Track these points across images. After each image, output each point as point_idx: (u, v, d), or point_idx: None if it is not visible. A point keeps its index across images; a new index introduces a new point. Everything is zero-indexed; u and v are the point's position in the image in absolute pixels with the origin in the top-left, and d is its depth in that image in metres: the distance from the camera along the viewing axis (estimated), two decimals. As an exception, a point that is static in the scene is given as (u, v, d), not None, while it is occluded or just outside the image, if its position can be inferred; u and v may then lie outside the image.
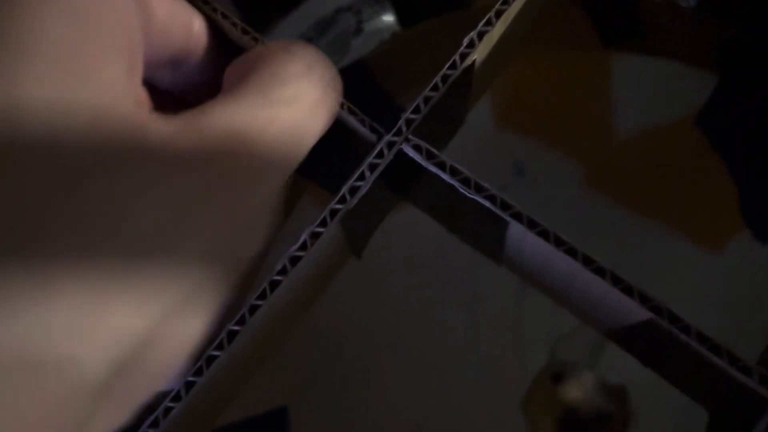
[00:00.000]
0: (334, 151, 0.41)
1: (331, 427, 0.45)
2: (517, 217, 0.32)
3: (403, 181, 0.37)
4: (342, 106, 0.34)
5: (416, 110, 0.34)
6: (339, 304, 0.43)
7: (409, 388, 0.47)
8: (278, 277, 0.31)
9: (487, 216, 0.33)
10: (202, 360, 0.30)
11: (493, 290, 0.48)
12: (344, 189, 0.33)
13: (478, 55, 0.35)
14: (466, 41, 0.34)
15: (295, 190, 0.48)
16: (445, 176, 0.33)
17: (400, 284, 0.48)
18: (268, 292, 0.31)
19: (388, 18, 0.51)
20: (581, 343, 0.48)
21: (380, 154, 0.34)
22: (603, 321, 0.35)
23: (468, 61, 0.34)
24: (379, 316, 0.47)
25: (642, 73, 0.48)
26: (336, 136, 0.39)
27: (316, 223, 0.32)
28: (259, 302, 0.30)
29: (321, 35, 0.51)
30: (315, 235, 0.32)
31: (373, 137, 0.35)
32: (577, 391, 0.48)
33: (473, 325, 0.48)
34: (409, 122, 0.34)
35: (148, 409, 0.38)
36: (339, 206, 0.33)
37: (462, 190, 0.33)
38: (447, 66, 0.34)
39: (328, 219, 0.32)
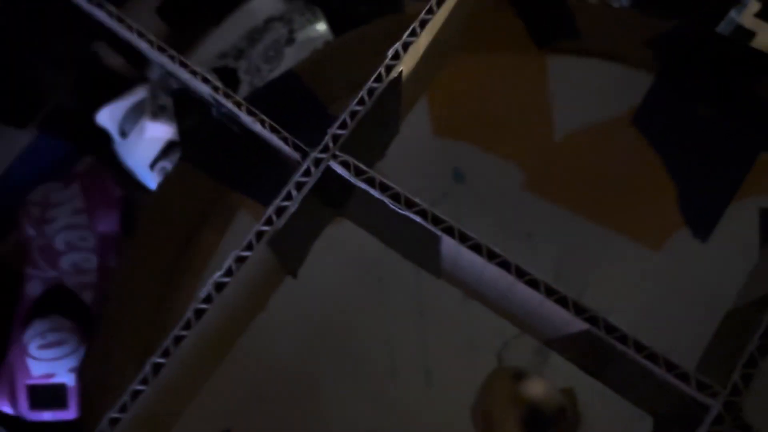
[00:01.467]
0: (266, 166, 0.40)
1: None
2: (449, 231, 0.32)
3: (335, 196, 0.36)
4: (263, 124, 0.33)
5: (343, 125, 0.33)
6: (278, 323, 0.42)
7: (358, 399, 0.47)
8: (204, 305, 0.30)
9: (420, 231, 0.33)
10: (127, 393, 0.29)
11: (437, 299, 0.47)
12: (270, 210, 0.32)
13: (404, 66, 0.34)
14: (390, 53, 0.33)
15: (229, 206, 0.47)
16: (374, 192, 0.32)
17: (341, 299, 0.47)
18: (193, 321, 0.29)
19: (321, 27, 0.50)
20: (527, 348, 0.48)
21: (307, 172, 0.33)
22: (541, 331, 0.35)
23: (394, 73, 0.33)
24: (322, 331, 0.46)
25: (577, 74, 0.48)
26: (265, 152, 0.38)
27: (242, 247, 0.31)
28: (184, 333, 0.29)
29: (252, 45, 0.50)
30: (240, 259, 0.31)
31: (296, 155, 0.34)
32: (539, 387, 0.47)
33: (420, 334, 0.48)
34: (336, 138, 0.33)
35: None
36: (266, 228, 0.32)
37: (392, 206, 0.32)
38: (372, 79, 0.33)
39: (254, 242, 0.31)
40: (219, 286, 0.30)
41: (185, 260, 0.46)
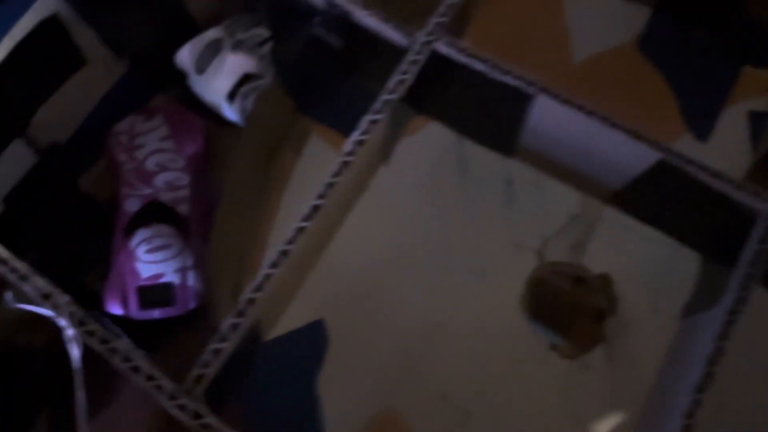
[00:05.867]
0: (342, 94, 0.46)
1: (362, 332, 0.49)
2: (544, 90, 0.39)
3: (431, 81, 0.42)
4: (376, 16, 0.39)
5: (443, 14, 0.40)
6: (364, 219, 0.48)
7: (421, 289, 0.52)
8: (319, 201, 0.36)
9: (512, 97, 0.40)
10: (243, 301, 0.34)
11: (483, 203, 0.54)
12: (392, 81, 0.38)
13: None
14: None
15: (304, 129, 0.53)
16: (477, 64, 0.39)
17: (409, 200, 0.53)
18: (312, 212, 0.35)
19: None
20: (565, 243, 0.55)
21: (416, 53, 0.39)
22: (615, 180, 0.42)
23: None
24: (397, 229, 0.52)
25: (590, 7, 0.57)
26: (342, 78, 0.44)
27: (359, 132, 0.37)
28: (305, 224, 0.35)
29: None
30: (360, 143, 0.37)
31: (405, 41, 0.40)
32: (596, 288, 0.54)
33: (471, 236, 0.54)
34: (439, 24, 0.40)
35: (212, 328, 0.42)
36: (390, 96, 0.38)
37: (491, 75, 0.39)
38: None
39: (369, 126, 0.37)
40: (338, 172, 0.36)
41: (269, 178, 0.51)
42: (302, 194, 0.53)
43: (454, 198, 0.54)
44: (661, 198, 0.41)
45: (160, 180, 0.50)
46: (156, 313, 0.47)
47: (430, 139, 0.53)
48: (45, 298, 0.33)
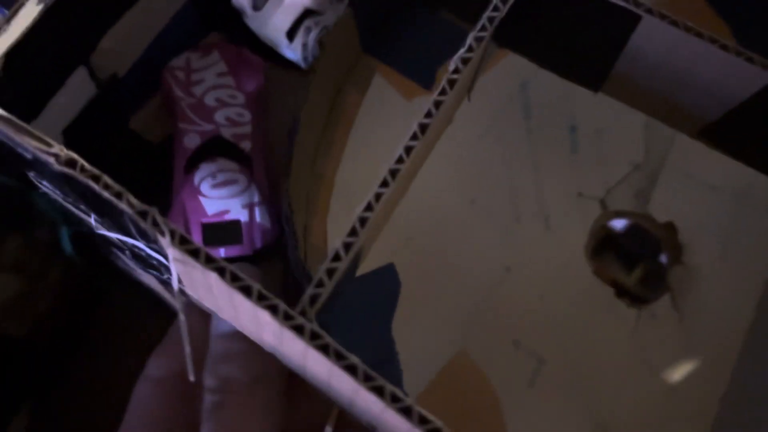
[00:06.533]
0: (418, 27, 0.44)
1: (433, 278, 0.47)
2: (650, 11, 0.37)
3: (513, 21, 0.41)
4: None
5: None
6: (435, 163, 0.46)
7: (489, 236, 0.50)
8: (413, 142, 0.34)
9: (616, 20, 0.38)
10: (355, 221, 0.32)
11: (550, 153, 0.53)
12: (484, 16, 0.36)
13: None
14: None
15: (369, 67, 0.51)
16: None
17: (482, 146, 0.51)
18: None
19: None
20: (629, 192, 0.54)
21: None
22: (713, 110, 0.40)
23: None
24: (464, 174, 0.51)
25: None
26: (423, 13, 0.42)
27: (451, 70, 0.35)
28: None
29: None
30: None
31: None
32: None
33: (537, 184, 0.52)
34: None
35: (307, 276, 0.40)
36: (482, 34, 0.36)
37: (593, -7, 0.37)
38: None
39: (459, 65, 0.35)
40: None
41: (335, 115, 0.49)
42: (368, 134, 0.51)
43: (519, 144, 0.53)
44: (761, 129, 0.40)
45: (221, 115, 0.47)
46: (221, 252, 0.44)
47: (501, 78, 0.51)
48: (141, 216, 0.31)
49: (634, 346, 0.49)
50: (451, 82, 0.37)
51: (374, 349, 0.44)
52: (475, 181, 0.51)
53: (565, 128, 0.53)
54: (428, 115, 0.36)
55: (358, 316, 0.45)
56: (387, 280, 0.46)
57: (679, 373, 0.48)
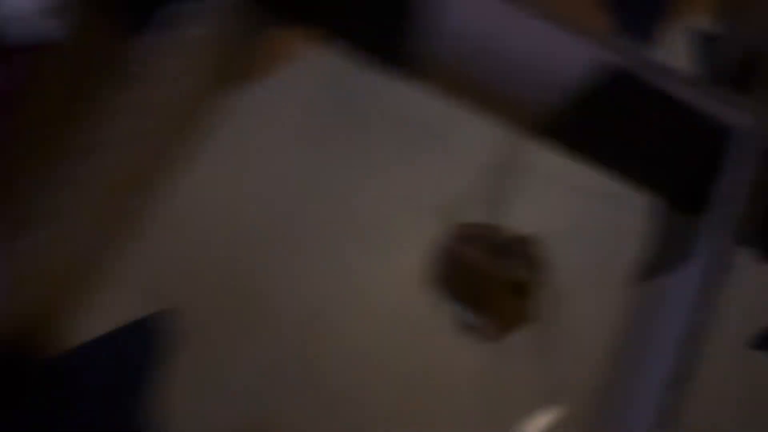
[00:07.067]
0: None
1: (227, 325, 0.37)
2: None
3: None
4: None
5: None
6: (214, 170, 0.35)
7: (296, 268, 0.41)
8: None
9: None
10: None
11: (374, 148, 0.42)
12: None
13: None
14: None
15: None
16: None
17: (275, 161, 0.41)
18: None
19: None
20: (479, 200, 0.44)
21: None
22: (550, 101, 0.30)
23: None
24: (264, 189, 0.40)
25: None
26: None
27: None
28: None
29: None
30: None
31: None
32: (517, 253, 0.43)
33: (360, 195, 0.43)
34: None
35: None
36: None
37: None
38: None
39: None
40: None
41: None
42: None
43: (338, 147, 0.42)
44: (608, 120, 0.30)
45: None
46: None
47: (305, 69, 0.41)
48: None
49: (484, 392, 0.40)
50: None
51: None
52: (277, 196, 0.41)
53: (395, 124, 0.43)
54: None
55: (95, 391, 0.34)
56: (149, 333, 0.36)
57: (535, 425, 0.39)
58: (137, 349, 0.36)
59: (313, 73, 0.40)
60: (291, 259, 0.41)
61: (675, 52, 0.44)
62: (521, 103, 0.31)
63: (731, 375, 0.35)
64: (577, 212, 0.42)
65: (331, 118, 0.43)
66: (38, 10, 0.39)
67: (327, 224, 0.41)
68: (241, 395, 0.37)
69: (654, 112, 0.28)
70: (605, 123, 0.31)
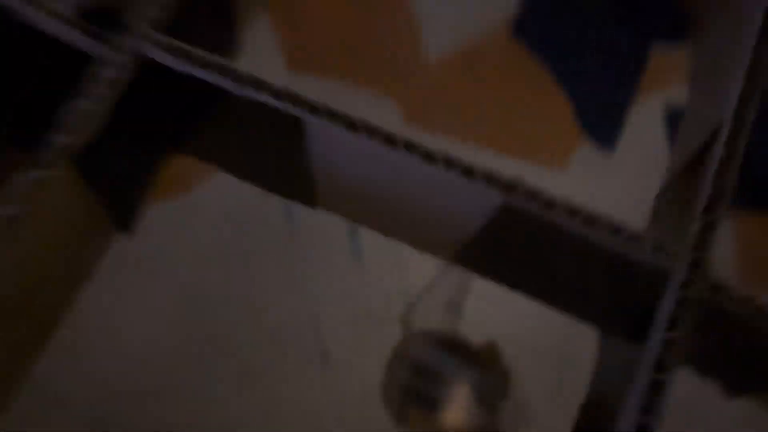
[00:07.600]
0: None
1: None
2: (314, 111, 0.24)
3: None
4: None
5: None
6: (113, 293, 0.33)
7: (234, 387, 0.37)
8: None
9: (281, 125, 0.25)
10: None
11: (322, 262, 0.39)
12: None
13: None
14: None
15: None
16: (205, 75, 0.24)
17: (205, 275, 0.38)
18: None
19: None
20: (435, 306, 0.40)
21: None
22: (451, 231, 0.27)
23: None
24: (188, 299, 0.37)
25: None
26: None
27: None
28: None
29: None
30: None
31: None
32: (458, 413, 0.40)
33: (308, 307, 0.39)
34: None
35: None
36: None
37: (238, 92, 0.24)
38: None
39: None
40: None
41: None
42: None
43: (273, 258, 0.40)
44: (517, 256, 0.27)
45: None
46: None
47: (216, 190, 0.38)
48: None
49: None
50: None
51: None
52: (209, 307, 0.38)
53: (340, 230, 0.40)
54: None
55: None
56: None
57: None
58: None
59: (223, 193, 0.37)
60: (206, 383, 0.38)
61: (649, 134, 0.41)
62: (425, 238, 0.28)
63: None
64: (535, 320, 0.39)
65: (267, 223, 0.40)
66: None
67: (262, 341, 0.38)
68: None
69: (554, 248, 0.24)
70: (514, 259, 0.28)
